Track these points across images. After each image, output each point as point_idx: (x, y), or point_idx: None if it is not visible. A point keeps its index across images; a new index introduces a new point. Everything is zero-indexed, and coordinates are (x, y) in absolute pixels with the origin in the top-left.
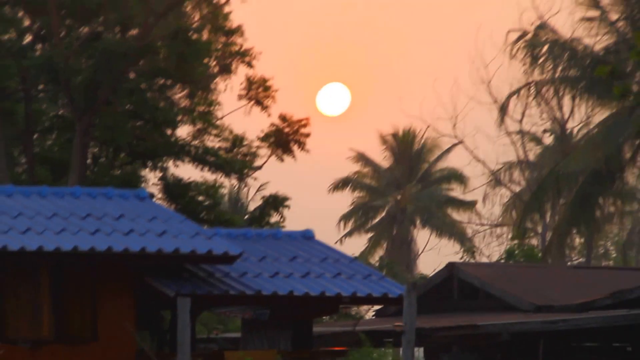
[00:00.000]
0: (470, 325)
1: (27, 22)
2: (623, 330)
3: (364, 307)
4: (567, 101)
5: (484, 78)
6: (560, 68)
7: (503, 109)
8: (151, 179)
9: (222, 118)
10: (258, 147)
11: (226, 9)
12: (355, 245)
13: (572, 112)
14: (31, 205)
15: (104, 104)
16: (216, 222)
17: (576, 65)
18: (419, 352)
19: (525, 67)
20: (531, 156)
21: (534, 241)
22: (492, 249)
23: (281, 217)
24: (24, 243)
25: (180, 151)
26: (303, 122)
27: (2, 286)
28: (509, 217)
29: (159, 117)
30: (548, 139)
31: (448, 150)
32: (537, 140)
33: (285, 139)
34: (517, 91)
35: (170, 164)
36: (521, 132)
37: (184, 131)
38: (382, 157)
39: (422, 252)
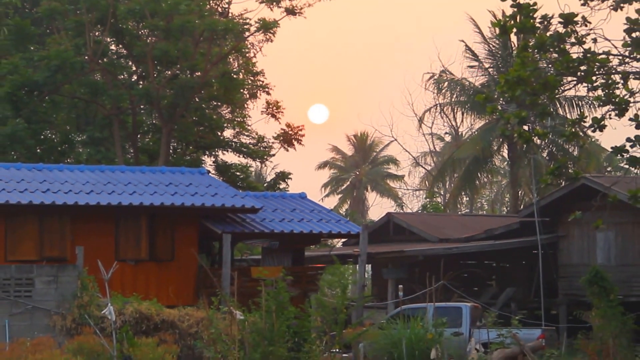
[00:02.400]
0: (399, 251)
1: (133, 68)
2: (491, 254)
3: (336, 240)
4: (459, 115)
5: (409, 101)
6: (454, 95)
7: (420, 120)
8: (208, 162)
9: (251, 125)
10: (273, 143)
11: (253, 60)
12: (331, 202)
13: (462, 121)
14: (136, 177)
15: (180, 117)
16: (247, 188)
17: (464, 94)
18: (369, 267)
19: (434, 95)
20: (437, 148)
21: (439, 199)
22: (413, 204)
23: (286, 185)
24: (131, 200)
25: (226, 145)
26: (300, 128)
27: (118, 226)
28: (424, 185)
29: (213, 124)
30: (447, 138)
31: (387, 144)
32: (441, 138)
33: (289, 137)
34: (429, 109)
35: (220, 153)
36: (431, 134)
37: (228, 133)
38: (347, 149)
39: (371, 206)
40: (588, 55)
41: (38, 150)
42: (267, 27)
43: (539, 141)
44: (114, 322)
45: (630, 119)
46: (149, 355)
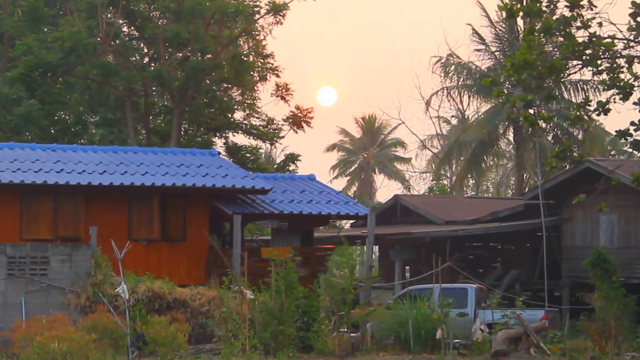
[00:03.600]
0: (407, 232)
1: (145, 50)
2: (496, 236)
3: (344, 221)
4: (465, 99)
5: (416, 84)
6: (461, 79)
7: (427, 103)
8: (219, 144)
9: (261, 107)
10: (282, 125)
11: (263, 42)
12: (339, 184)
13: (468, 105)
14: (148, 158)
15: (191, 99)
16: (257, 170)
17: (471, 77)
18: (376, 248)
19: (441, 78)
20: (444, 131)
21: (445, 182)
22: (420, 186)
23: (296, 166)
24: (144, 181)
25: (236, 127)
26: (309, 110)
27: (130, 207)
28: (431, 167)
29: (224, 106)
30: (454, 121)
31: (395, 127)
32: (447, 121)
33: (298, 120)
34: (436, 92)
35: (230, 134)
36: (438, 117)
37: (238, 115)
38: (355, 131)
39: (378, 188)
40: (593, 39)
41: (52, 131)
42: (277, 9)
43: (544, 124)
44: (127, 300)
45: (634, 103)
46: (162, 333)
